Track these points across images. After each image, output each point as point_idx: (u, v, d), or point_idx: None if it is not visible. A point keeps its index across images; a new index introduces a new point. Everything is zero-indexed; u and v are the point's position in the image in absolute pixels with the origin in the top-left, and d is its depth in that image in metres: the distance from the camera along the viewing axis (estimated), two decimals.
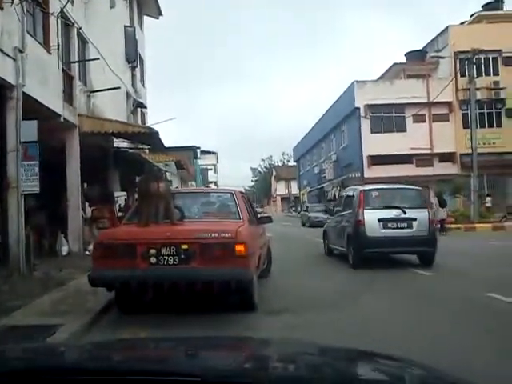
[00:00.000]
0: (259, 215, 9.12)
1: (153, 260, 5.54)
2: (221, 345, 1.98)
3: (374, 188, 11.48)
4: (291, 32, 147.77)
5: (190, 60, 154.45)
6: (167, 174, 20.28)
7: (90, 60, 14.01)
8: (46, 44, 11.18)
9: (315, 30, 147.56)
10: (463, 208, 27.58)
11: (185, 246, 5.53)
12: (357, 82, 34.96)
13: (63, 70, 12.37)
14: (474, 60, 29.44)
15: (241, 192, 7.91)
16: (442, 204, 20.65)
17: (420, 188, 11.72)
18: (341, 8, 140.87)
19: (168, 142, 19.07)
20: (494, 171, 30.66)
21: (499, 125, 34.73)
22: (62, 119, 11.96)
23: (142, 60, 24.05)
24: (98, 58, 14.12)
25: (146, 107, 23.67)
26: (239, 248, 5.52)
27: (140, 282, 5.52)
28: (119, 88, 15.30)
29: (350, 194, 11.78)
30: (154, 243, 5.59)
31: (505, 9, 39.36)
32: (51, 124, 11.79)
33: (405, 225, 10.32)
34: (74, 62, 13.12)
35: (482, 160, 27.92)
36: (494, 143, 32.84)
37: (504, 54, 33.65)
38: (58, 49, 11.49)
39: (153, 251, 5.53)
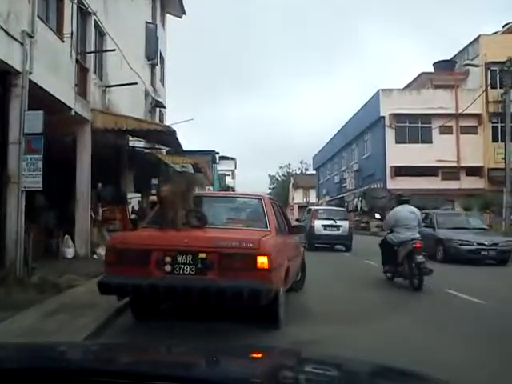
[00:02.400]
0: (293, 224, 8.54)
1: (168, 268, 5.10)
2: (236, 353, 1.93)
3: (320, 208, 23.26)
4: (312, 39, 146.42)
5: (210, 65, 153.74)
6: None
7: (106, 51, 13.25)
8: (59, 31, 10.44)
9: (337, 37, 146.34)
10: (491, 224, 26.30)
11: (202, 255, 5.08)
12: (382, 90, 33.94)
13: (77, 60, 11.63)
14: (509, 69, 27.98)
15: (270, 198, 7.21)
16: None
17: (344, 209, 23.50)
18: (362, 17, 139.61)
19: (186, 146, 18.36)
20: None
21: None
22: (73, 113, 11.20)
23: (162, 59, 23.37)
24: (115, 49, 13.36)
25: (164, 107, 22.94)
26: (262, 260, 4.98)
27: (153, 292, 5.11)
28: (136, 84, 14.53)
29: (309, 211, 20.66)
30: (170, 250, 5.14)
31: None
32: (62, 117, 11.06)
33: (335, 228, 18.33)
34: (90, 53, 12.37)
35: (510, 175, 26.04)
36: None
37: None
38: (72, 37, 10.75)
39: (168, 259, 5.10)
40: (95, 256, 12.28)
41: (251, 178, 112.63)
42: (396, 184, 32.68)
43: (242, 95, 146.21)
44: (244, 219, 6.40)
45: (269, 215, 6.11)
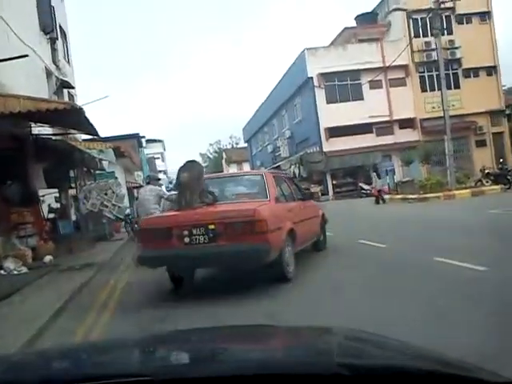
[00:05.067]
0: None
1: (186, 240, 6.19)
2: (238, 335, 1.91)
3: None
4: (231, 7, 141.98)
5: (124, 42, 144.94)
6: (103, 162, 17.15)
7: None
8: None
9: (253, 5, 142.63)
10: (429, 175, 25.89)
11: (212, 226, 6.12)
12: (308, 49, 32.56)
13: None
14: (428, 18, 27.25)
15: (274, 172, 8.91)
16: (379, 177, 23.73)
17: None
18: None
19: (109, 133, 16.08)
20: (456, 134, 28.39)
21: (457, 86, 33.28)
22: None
23: (64, 33, 20.52)
24: None
25: (73, 87, 20.19)
26: (258, 224, 5.99)
27: (176, 260, 6.35)
28: (27, 56, 12.00)
29: None
30: (186, 225, 6.24)
31: None
32: None
33: None
34: None
35: (442, 124, 25.04)
36: (453, 105, 30.85)
37: (457, 12, 31.94)
38: None
39: (186, 232, 6.19)
40: (2, 271, 10.02)
41: (182, 159, 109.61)
42: (332, 145, 31.75)
43: (162, 76, 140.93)
44: (248, 193, 7.41)
45: (269, 187, 7.09)
